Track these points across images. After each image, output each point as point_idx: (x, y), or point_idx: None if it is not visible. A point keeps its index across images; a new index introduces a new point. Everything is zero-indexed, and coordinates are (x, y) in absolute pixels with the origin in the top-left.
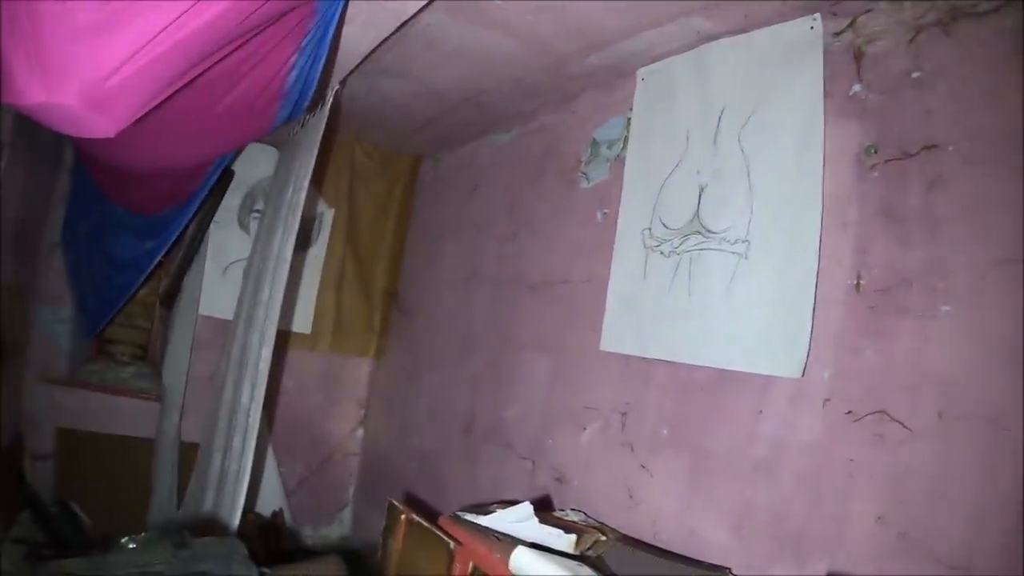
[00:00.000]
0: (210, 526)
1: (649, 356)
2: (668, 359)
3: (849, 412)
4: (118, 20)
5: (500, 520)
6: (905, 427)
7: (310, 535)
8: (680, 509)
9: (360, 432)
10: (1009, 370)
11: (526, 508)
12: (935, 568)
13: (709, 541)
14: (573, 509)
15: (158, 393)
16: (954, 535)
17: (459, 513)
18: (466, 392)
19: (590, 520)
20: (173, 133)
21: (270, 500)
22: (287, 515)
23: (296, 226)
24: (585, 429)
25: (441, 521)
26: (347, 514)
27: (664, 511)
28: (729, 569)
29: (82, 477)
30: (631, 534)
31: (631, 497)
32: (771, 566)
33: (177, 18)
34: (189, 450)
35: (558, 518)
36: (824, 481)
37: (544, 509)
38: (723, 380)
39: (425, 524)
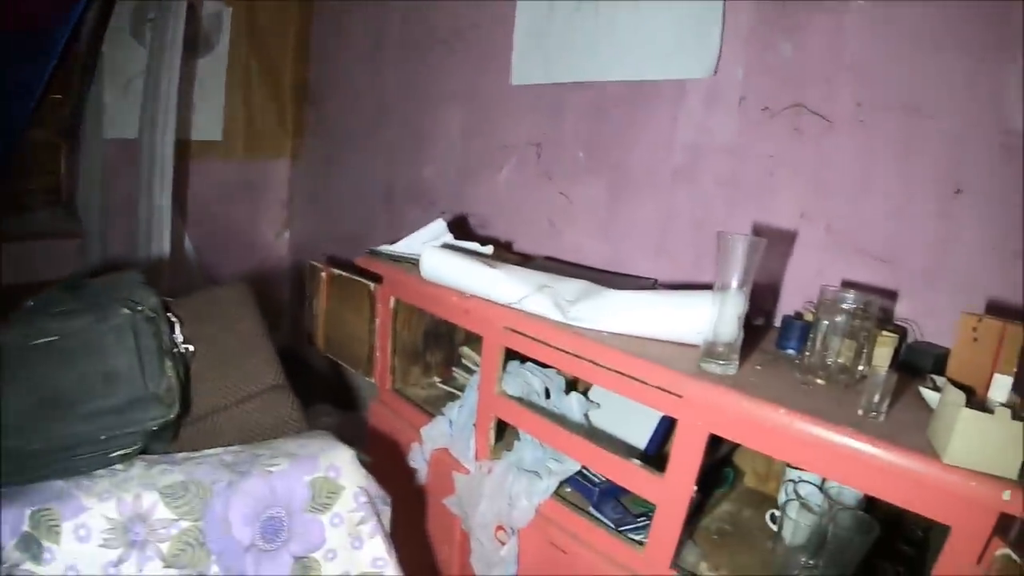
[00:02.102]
0: None
1: (561, 81)
2: (580, 80)
3: (765, 108)
4: None
5: (415, 242)
6: (824, 118)
7: None
8: (602, 230)
9: (287, 235)
10: (930, 57)
11: (439, 224)
12: (862, 259)
13: (633, 259)
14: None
15: (76, 229)
16: (878, 226)
17: (373, 248)
18: (384, 162)
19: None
20: None
21: None
22: None
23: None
24: (502, 169)
25: (358, 261)
26: (285, 322)
27: (587, 235)
28: (655, 280)
29: None
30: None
31: (553, 226)
32: (697, 274)
33: None
34: None
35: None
36: (745, 181)
37: None
38: (636, 93)
39: (345, 274)
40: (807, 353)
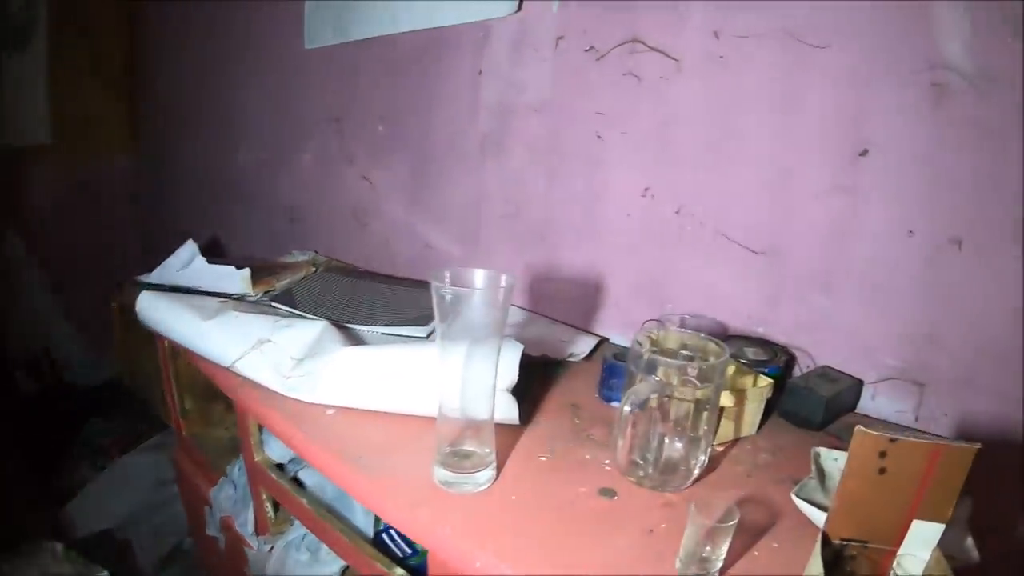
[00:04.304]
0: None
1: (354, 38)
2: (373, 35)
3: (590, 49)
4: None
5: (169, 271)
6: (668, 56)
7: None
8: (408, 219)
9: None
10: None
11: (189, 248)
12: (728, 252)
13: (447, 254)
14: (298, 250)
15: None
16: (748, 204)
17: (138, 278)
18: (207, 153)
19: (317, 256)
20: None
21: None
22: None
23: None
24: (305, 154)
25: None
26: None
27: (392, 228)
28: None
29: None
30: (364, 262)
31: (357, 219)
32: (512, 263)
33: None
34: None
35: (273, 263)
36: (567, 149)
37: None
38: (433, 44)
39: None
40: (616, 432)
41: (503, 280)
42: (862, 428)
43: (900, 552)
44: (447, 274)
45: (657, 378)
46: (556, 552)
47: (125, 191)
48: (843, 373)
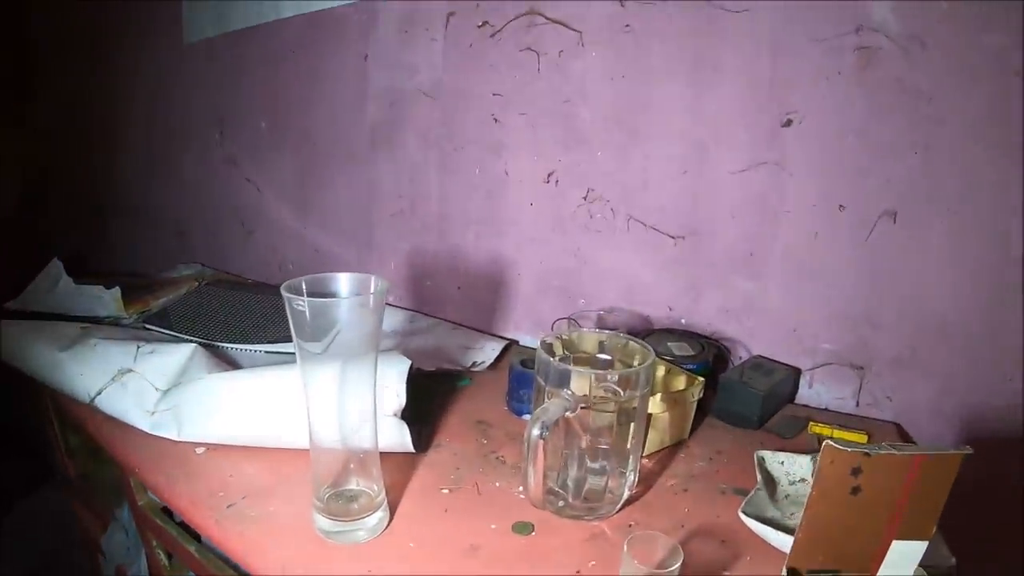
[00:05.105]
0: None
1: (235, 27)
2: (255, 23)
3: (484, 24)
4: None
5: (35, 293)
6: (569, 28)
7: None
8: (295, 223)
9: None
10: None
11: (54, 267)
12: (642, 238)
13: (334, 254)
14: (184, 263)
15: None
16: (663, 184)
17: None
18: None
19: (204, 270)
20: None
21: None
22: None
23: None
24: (185, 158)
25: None
26: None
27: (282, 231)
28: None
29: None
30: (252, 272)
31: (243, 226)
32: (409, 263)
33: None
34: None
35: (153, 280)
36: (462, 135)
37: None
38: (317, 29)
39: None
40: (527, 461)
41: (373, 284)
42: (831, 443)
43: None
44: (303, 283)
45: (570, 392)
46: None
47: None
48: (778, 363)
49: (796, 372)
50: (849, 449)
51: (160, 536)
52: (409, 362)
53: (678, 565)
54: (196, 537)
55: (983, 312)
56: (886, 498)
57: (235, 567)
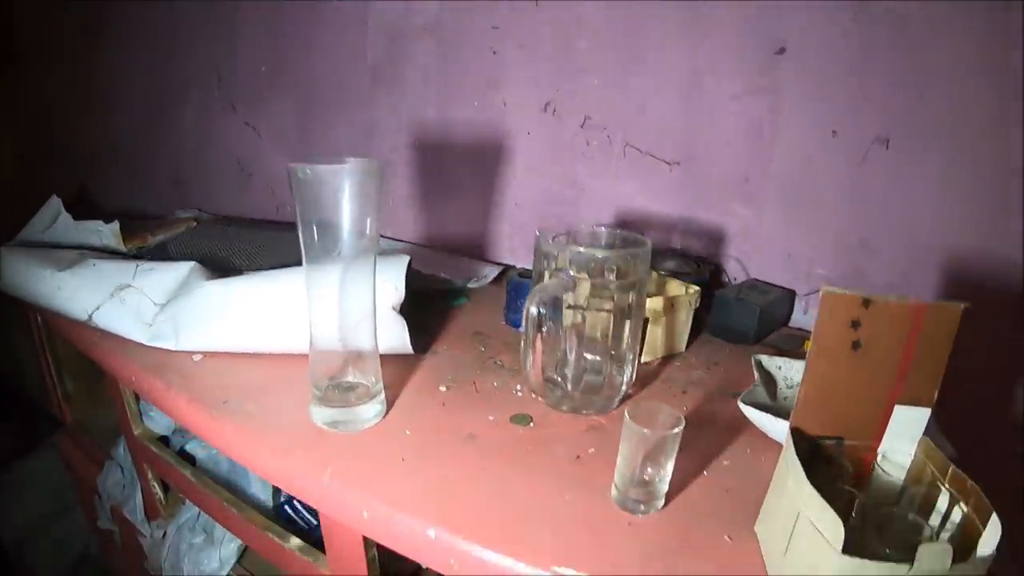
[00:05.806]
0: None
1: None
2: None
3: None
4: None
5: (34, 230)
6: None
7: None
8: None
9: None
10: None
11: (52, 204)
12: (639, 164)
13: None
14: (180, 209)
15: None
16: (659, 111)
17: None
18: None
19: (202, 214)
20: None
21: None
22: None
23: None
24: (186, 106)
25: None
26: None
27: (281, 176)
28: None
29: None
30: (249, 214)
31: (242, 169)
32: (409, 199)
33: None
34: None
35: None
36: (462, 69)
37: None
38: None
39: None
40: (525, 343)
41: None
42: (829, 287)
43: (882, 447)
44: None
45: (570, 273)
46: (458, 491)
47: None
48: (773, 285)
49: (791, 294)
50: (848, 293)
51: (156, 465)
52: (408, 258)
53: (680, 429)
54: (192, 462)
55: (974, 238)
56: (887, 355)
57: (236, 490)
